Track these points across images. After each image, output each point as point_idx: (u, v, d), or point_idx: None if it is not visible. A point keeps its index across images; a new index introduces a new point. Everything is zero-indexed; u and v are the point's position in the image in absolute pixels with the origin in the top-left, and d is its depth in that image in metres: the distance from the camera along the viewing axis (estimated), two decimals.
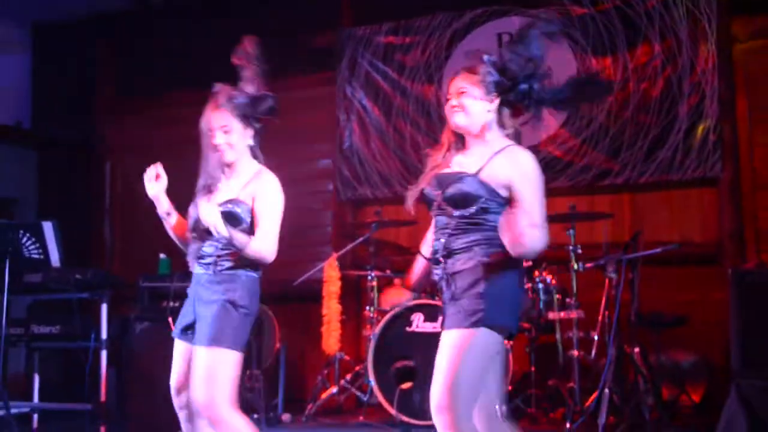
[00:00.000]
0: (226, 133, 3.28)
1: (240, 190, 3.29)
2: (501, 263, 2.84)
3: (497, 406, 2.98)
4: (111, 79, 7.08)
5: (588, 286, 4.74)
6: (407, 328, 4.57)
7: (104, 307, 5.42)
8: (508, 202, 2.88)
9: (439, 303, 4.51)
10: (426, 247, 3.06)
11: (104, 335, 5.40)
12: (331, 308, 5.08)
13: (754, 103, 5.30)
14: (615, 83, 5.39)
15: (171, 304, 5.11)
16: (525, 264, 4.66)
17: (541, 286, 4.75)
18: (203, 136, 3.32)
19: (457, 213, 2.87)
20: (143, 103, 6.84)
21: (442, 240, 2.90)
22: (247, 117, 3.31)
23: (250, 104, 3.30)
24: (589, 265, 4.61)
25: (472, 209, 2.85)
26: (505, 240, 2.75)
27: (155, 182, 3.32)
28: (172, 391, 3.26)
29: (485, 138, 2.95)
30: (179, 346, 3.28)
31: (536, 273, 4.78)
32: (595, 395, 4.25)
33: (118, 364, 5.40)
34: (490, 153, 2.91)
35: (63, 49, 7.11)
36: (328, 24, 6.28)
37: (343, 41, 6.22)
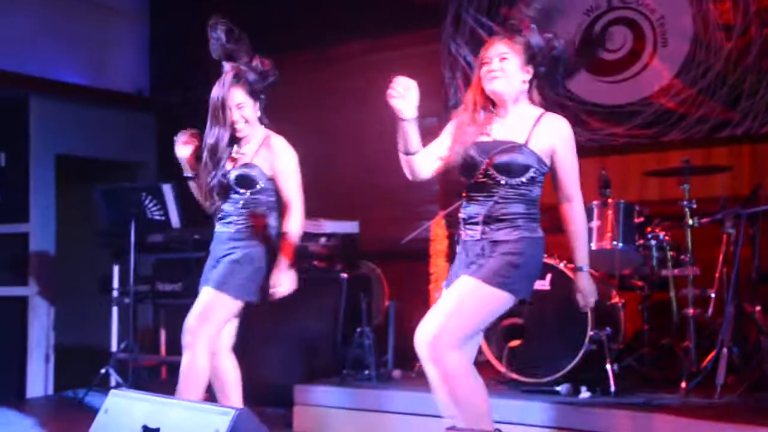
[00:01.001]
0: (241, 109, 3.59)
1: (253, 156, 3.62)
2: (537, 240, 2.98)
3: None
4: None
5: (704, 243, 4.50)
6: None
7: None
8: (548, 171, 3.00)
9: (546, 260, 4.41)
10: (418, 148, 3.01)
11: None
12: (439, 266, 5.03)
13: None
14: (735, 28, 5.08)
15: None
16: (637, 220, 4.52)
17: (653, 242, 4.55)
18: (215, 110, 3.60)
19: (504, 181, 2.92)
20: None
21: (485, 205, 2.96)
22: (256, 92, 3.63)
23: (260, 79, 3.63)
24: (705, 220, 4.38)
25: (523, 179, 2.92)
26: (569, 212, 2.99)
27: (183, 146, 3.73)
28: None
29: (518, 106, 3.01)
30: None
31: (648, 229, 4.58)
32: (712, 355, 4.06)
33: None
34: (530, 121, 2.98)
35: (178, 19, 7.21)
36: None
37: None
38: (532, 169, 2.93)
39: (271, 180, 3.65)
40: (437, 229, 5.10)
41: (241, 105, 3.59)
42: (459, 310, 2.94)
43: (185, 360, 3.60)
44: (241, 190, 3.63)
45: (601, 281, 4.45)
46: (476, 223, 2.99)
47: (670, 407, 3.84)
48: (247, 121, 3.62)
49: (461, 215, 3.09)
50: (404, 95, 2.88)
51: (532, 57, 2.97)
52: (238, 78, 3.60)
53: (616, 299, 4.47)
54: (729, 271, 4.20)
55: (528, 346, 4.34)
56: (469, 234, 3.03)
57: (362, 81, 6.08)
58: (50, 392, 6.46)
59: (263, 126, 3.72)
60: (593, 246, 4.46)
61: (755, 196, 4.34)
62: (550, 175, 3.04)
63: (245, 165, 3.63)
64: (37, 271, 6.53)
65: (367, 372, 4.72)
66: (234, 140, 3.69)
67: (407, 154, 3.01)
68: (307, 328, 5.09)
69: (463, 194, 3.09)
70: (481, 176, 2.97)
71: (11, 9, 6.37)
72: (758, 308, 4.21)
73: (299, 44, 6.46)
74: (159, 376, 6.17)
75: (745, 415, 3.62)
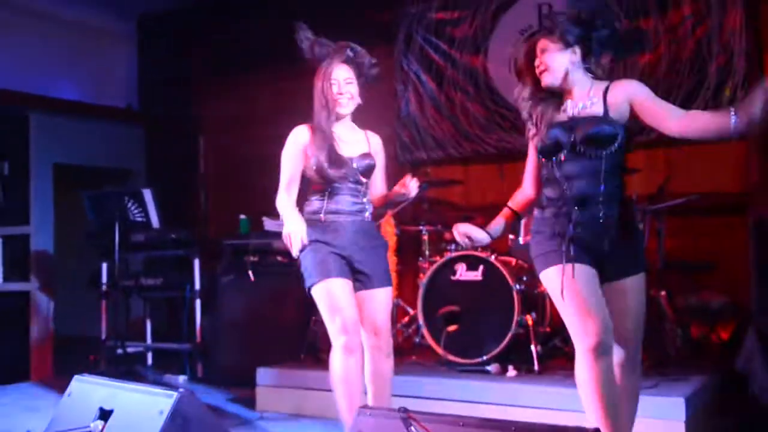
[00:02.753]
0: (349, 84, 3.19)
1: (367, 146, 3.29)
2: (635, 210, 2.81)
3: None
4: (205, 64, 7.16)
5: None
6: (452, 277, 4.50)
7: (197, 262, 5.60)
8: (633, 132, 2.76)
9: (479, 254, 4.45)
10: (520, 200, 2.96)
11: (197, 286, 5.59)
12: (389, 259, 5.04)
13: None
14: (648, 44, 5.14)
15: (251, 258, 5.21)
16: None
17: None
18: (323, 88, 3.17)
19: (600, 153, 2.66)
20: (229, 85, 6.88)
21: (595, 183, 2.65)
22: (364, 77, 3.23)
23: (369, 65, 3.24)
24: None
25: (614, 147, 2.67)
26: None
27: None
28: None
29: (581, 83, 2.76)
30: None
31: None
32: None
33: (209, 311, 5.58)
34: (599, 94, 2.73)
35: (164, 39, 7.24)
36: (387, 2, 6.15)
37: (399, 18, 6.09)
38: (620, 137, 2.67)
39: None
40: (387, 226, 5.11)
41: (349, 80, 3.19)
42: (643, 310, 2.78)
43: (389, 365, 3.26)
44: (365, 180, 3.24)
45: (528, 271, 4.51)
46: (592, 202, 2.67)
47: None
48: (352, 98, 3.20)
49: (550, 194, 2.76)
50: (469, 239, 2.94)
51: (573, 37, 2.73)
52: (350, 53, 3.21)
53: (541, 287, 4.51)
54: None
55: (463, 330, 4.39)
56: (576, 216, 2.67)
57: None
58: (50, 375, 6.46)
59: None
60: (521, 240, 4.51)
61: (661, 194, 4.39)
62: (645, 123, 2.73)
63: (366, 155, 3.25)
64: (37, 269, 6.51)
65: (321, 356, 4.72)
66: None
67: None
68: (269, 317, 5.10)
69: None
70: (569, 155, 2.70)
71: (13, 33, 6.37)
72: (663, 293, 4.27)
73: (264, 61, 6.46)
74: (145, 362, 6.18)
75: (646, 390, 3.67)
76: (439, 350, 4.41)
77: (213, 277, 5.52)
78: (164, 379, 5.51)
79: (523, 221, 4.45)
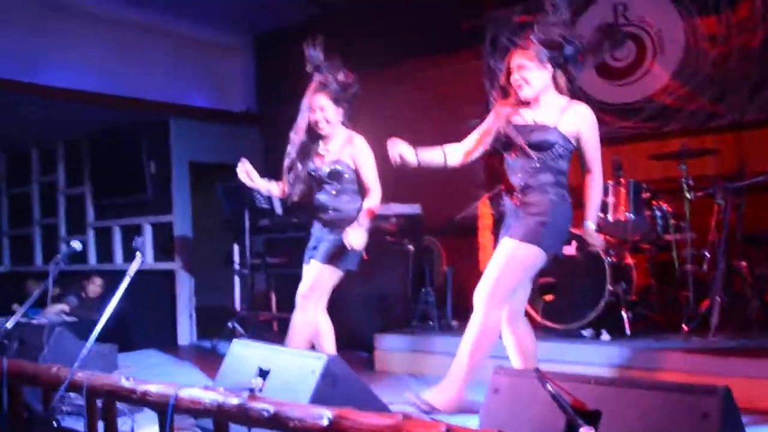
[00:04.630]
0: (323, 111, 3.42)
1: (340, 152, 3.45)
2: (564, 203, 2.90)
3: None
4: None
5: (700, 212, 4.34)
6: None
7: None
8: (575, 149, 2.91)
9: (573, 230, 4.32)
10: (450, 151, 3.21)
11: None
12: (485, 238, 4.99)
13: None
14: (719, 38, 4.87)
15: None
16: (644, 195, 4.39)
17: (658, 213, 4.40)
18: (303, 113, 3.47)
19: (537, 156, 2.84)
20: None
21: (520, 176, 2.89)
22: (339, 99, 3.45)
23: (342, 89, 3.45)
24: (699, 193, 4.23)
25: (550, 153, 2.83)
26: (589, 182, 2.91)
27: (248, 178, 3.61)
28: None
29: (548, 97, 2.90)
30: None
31: (654, 202, 4.44)
32: (707, 303, 3.94)
33: None
34: (558, 109, 2.87)
35: (274, 51, 7.29)
36: (474, 9, 6.04)
37: (486, 23, 5.96)
38: (557, 146, 2.85)
39: (355, 171, 3.50)
40: (483, 208, 5.05)
41: (323, 107, 3.44)
42: (504, 268, 2.88)
43: (325, 321, 3.68)
44: (332, 182, 3.49)
45: (617, 245, 4.36)
46: (513, 192, 2.95)
47: (674, 345, 3.76)
48: (328, 122, 3.44)
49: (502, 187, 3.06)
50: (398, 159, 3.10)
51: (546, 55, 2.85)
52: (322, 86, 3.47)
53: (629, 260, 4.37)
54: (720, 235, 4.04)
55: (559, 299, 4.29)
56: (509, 201, 3.00)
57: (420, 91, 6.04)
58: (194, 341, 6.68)
59: (345, 128, 3.54)
60: (610, 218, 4.35)
61: (741, 174, 4.17)
62: (576, 154, 2.93)
63: (335, 162, 3.47)
64: (180, 251, 6.73)
65: (431, 323, 4.73)
66: (317, 137, 3.52)
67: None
68: (383, 289, 5.11)
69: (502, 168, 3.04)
70: (518, 152, 2.91)
71: (153, 52, 6.54)
72: (744, 264, 4.06)
73: (369, 63, 6.43)
74: (271, 329, 6.29)
75: (733, 351, 3.51)
76: (537, 317, 4.31)
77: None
78: None
79: (611, 202, 4.32)
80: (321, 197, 3.53)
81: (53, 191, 7.72)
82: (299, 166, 3.51)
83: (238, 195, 5.59)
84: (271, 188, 3.67)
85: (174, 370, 4.96)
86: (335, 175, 3.48)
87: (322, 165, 3.51)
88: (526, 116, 2.93)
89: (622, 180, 4.36)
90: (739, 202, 4.13)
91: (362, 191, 3.54)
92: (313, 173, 3.53)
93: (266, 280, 6.55)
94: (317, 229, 3.59)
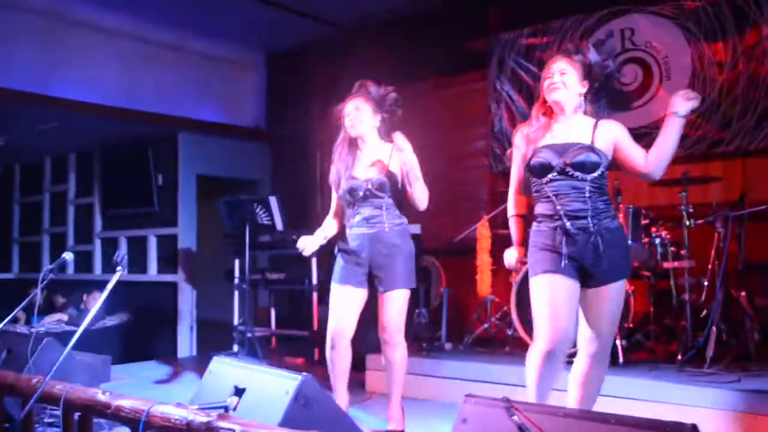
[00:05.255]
0: (358, 111, 3.29)
1: (389, 162, 3.25)
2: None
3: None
4: (322, 91, 7.20)
5: (699, 240, 4.26)
6: None
7: (314, 260, 5.59)
8: (611, 165, 2.71)
9: None
10: (517, 209, 2.93)
11: (314, 280, 5.59)
12: (483, 260, 4.92)
13: None
14: (726, 64, 4.80)
15: None
16: (643, 222, 4.30)
17: (657, 240, 4.32)
18: (338, 118, 3.33)
19: (589, 177, 2.62)
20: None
21: (584, 201, 2.62)
22: (378, 106, 3.31)
23: (381, 95, 3.33)
24: (699, 221, 4.14)
25: (597, 174, 2.63)
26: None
27: (314, 245, 3.33)
28: None
29: (576, 114, 2.74)
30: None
31: (653, 229, 4.36)
32: (704, 333, 3.83)
33: (324, 302, 5.56)
34: (589, 127, 2.70)
35: (286, 70, 7.32)
36: (480, 32, 6.02)
37: (492, 45, 5.94)
38: (602, 165, 2.64)
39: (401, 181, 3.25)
40: (482, 230, 4.98)
41: (359, 107, 3.28)
42: (619, 315, 2.74)
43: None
44: (381, 194, 3.24)
45: None
46: (581, 217, 2.61)
47: (667, 374, 3.66)
48: (362, 123, 3.27)
49: (543, 210, 2.70)
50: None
51: (588, 73, 2.71)
52: (364, 90, 3.33)
53: (627, 287, 4.27)
54: (719, 264, 3.95)
55: None
56: (572, 229, 2.61)
57: (425, 112, 6.01)
58: (194, 353, 6.65)
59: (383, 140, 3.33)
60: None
61: (742, 202, 4.07)
62: (620, 160, 2.70)
63: (386, 172, 3.25)
64: (183, 263, 6.73)
65: (423, 345, 4.65)
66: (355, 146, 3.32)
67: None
68: (378, 308, 5.03)
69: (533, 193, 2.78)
70: (557, 175, 2.65)
71: (165, 66, 6.59)
72: (743, 294, 3.96)
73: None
74: (270, 344, 6.25)
75: (730, 384, 3.41)
76: (530, 342, 4.21)
77: (329, 272, 5.50)
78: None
79: None
80: (366, 211, 3.23)
81: (63, 201, 7.81)
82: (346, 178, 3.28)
83: (240, 210, 5.59)
84: (326, 234, 3.39)
85: (167, 384, 4.93)
86: (384, 187, 3.24)
87: (370, 178, 3.25)
88: (555, 135, 2.71)
89: (621, 206, 4.29)
90: (740, 232, 4.03)
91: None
92: (364, 186, 3.24)
93: (266, 296, 6.53)
94: (367, 245, 3.23)
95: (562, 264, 2.61)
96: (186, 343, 6.68)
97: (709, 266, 4.13)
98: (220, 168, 7.12)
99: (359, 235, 3.26)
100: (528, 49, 5.79)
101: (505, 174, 5.79)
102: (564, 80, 2.70)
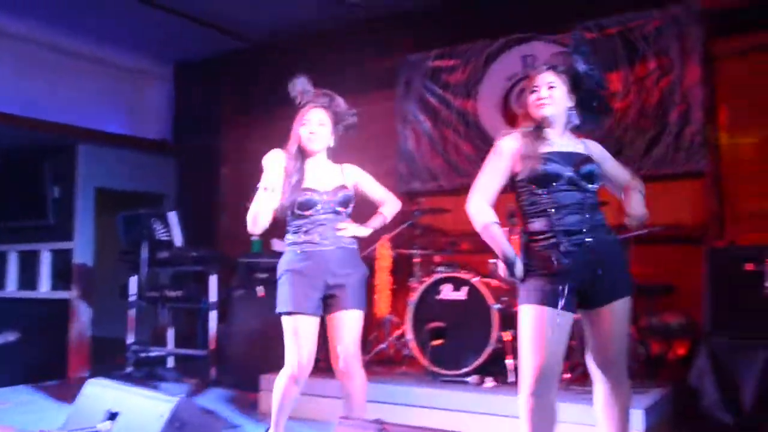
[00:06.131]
0: (321, 126, 3.07)
1: (343, 179, 3.12)
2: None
3: None
4: (230, 105, 7.09)
5: None
6: (437, 296, 4.36)
7: (213, 278, 5.47)
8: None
9: (463, 276, 4.31)
10: (495, 216, 2.62)
11: (213, 299, 5.46)
12: (382, 279, 4.90)
13: (733, 108, 4.84)
14: (618, 93, 5.03)
15: (260, 275, 5.08)
16: None
17: None
18: (294, 134, 3.09)
19: (591, 188, 2.52)
20: (249, 124, 6.80)
21: (583, 214, 2.48)
22: (337, 122, 3.12)
23: (345, 111, 3.14)
24: None
25: (598, 186, 2.58)
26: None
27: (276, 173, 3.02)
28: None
29: (564, 128, 2.60)
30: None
31: None
32: None
33: (223, 321, 5.44)
34: (578, 141, 2.62)
35: (195, 81, 7.17)
36: (390, 51, 6.07)
37: (400, 65, 6.02)
38: (600, 177, 2.60)
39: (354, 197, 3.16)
40: (382, 249, 4.98)
41: (323, 122, 3.08)
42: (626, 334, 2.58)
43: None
44: (342, 210, 3.09)
45: (507, 293, 4.36)
46: (576, 232, 2.46)
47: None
48: (322, 140, 3.07)
49: (538, 227, 2.51)
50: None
51: (576, 85, 2.58)
52: (326, 101, 3.12)
53: (517, 307, 4.36)
54: None
55: (447, 344, 4.25)
56: (571, 243, 2.44)
57: None
58: (86, 374, 6.35)
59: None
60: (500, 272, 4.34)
61: (625, 226, 4.23)
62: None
63: (342, 187, 3.10)
64: (78, 279, 6.45)
65: (319, 363, 4.57)
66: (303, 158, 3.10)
67: None
68: (276, 328, 4.94)
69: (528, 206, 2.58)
70: (565, 185, 2.49)
71: (65, 74, 6.35)
72: None
73: (279, 102, 6.39)
74: (165, 364, 6.05)
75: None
76: (425, 362, 4.26)
77: (227, 290, 5.39)
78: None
79: None
80: (321, 229, 3.02)
81: None
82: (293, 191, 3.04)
83: (137, 225, 5.41)
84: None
85: (52, 410, 4.67)
86: (347, 202, 3.10)
87: (328, 192, 3.07)
88: (558, 143, 2.56)
89: (516, 227, 4.38)
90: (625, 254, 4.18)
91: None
92: (324, 201, 3.05)
93: (164, 314, 6.32)
94: (324, 262, 3.01)
95: (560, 296, 2.41)
96: (78, 364, 6.37)
97: None
98: (123, 181, 6.88)
99: (313, 253, 3.01)
100: (434, 72, 5.89)
101: (409, 194, 5.89)
102: (552, 94, 2.56)
